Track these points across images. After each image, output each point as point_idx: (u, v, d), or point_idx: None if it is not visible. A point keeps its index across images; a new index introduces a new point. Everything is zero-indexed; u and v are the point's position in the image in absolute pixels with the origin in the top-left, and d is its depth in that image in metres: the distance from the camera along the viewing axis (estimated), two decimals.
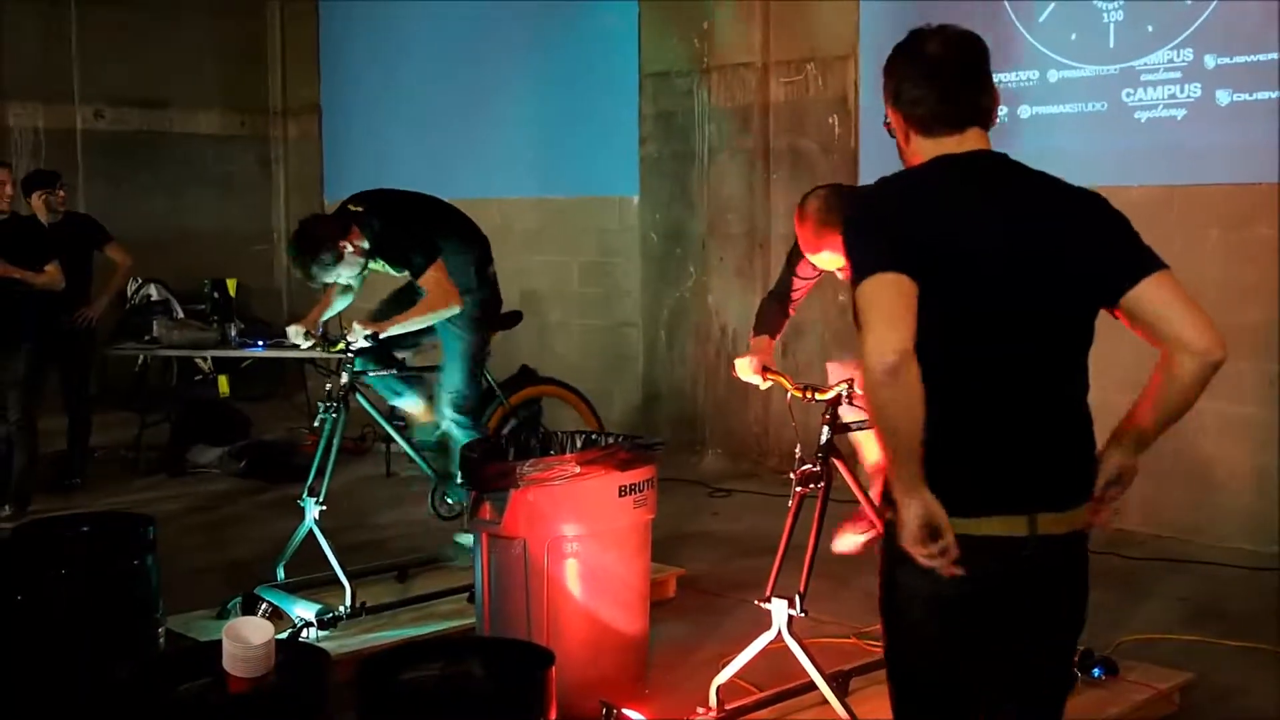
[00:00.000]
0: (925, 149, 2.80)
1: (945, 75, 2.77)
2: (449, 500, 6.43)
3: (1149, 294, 2.71)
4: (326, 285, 6.24)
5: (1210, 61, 6.99)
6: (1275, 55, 6.74)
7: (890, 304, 2.58)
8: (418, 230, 6.14)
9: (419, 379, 6.61)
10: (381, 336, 5.94)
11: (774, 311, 5.01)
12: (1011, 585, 2.75)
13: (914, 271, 2.60)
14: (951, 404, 2.66)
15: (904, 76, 2.80)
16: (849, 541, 5.07)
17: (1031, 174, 2.81)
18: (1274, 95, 6.76)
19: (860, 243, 2.72)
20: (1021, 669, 2.85)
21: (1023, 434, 2.73)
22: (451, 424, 6.32)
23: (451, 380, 6.32)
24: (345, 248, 5.92)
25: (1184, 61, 7.08)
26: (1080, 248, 2.73)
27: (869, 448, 5.17)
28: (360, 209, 6.09)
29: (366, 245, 6.00)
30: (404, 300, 6.27)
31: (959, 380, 2.67)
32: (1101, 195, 2.83)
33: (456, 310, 6.05)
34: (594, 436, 5.32)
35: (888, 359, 2.54)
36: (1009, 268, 2.69)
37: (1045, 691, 2.92)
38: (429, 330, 6.24)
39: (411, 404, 6.58)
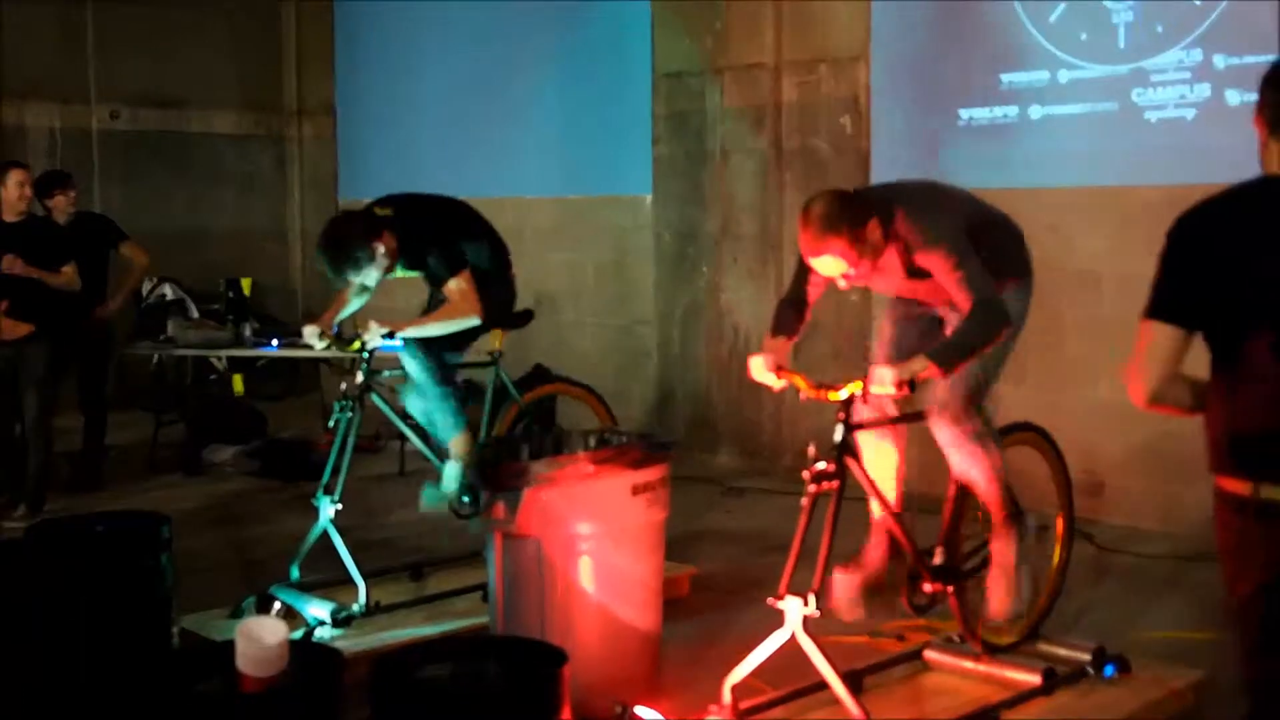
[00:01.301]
0: (1272, 153, 3.01)
1: None
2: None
3: None
4: (349, 282, 6.17)
5: (1220, 62, 6.98)
6: None
7: (1149, 353, 2.91)
8: (445, 238, 6.08)
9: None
10: (398, 336, 5.94)
11: (790, 314, 4.99)
12: None
13: (1192, 316, 2.88)
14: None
15: (1264, 84, 3.00)
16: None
17: None
18: None
19: (1162, 271, 2.93)
20: None
21: None
22: (431, 397, 6.23)
23: (432, 351, 6.23)
24: (378, 248, 5.88)
25: (1193, 62, 7.08)
26: None
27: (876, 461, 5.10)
28: (388, 212, 6.06)
29: (396, 248, 5.96)
30: (434, 305, 6.23)
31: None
32: None
33: (477, 321, 6.02)
34: (607, 435, 5.33)
35: (1139, 403, 2.94)
36: None
37: None
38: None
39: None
